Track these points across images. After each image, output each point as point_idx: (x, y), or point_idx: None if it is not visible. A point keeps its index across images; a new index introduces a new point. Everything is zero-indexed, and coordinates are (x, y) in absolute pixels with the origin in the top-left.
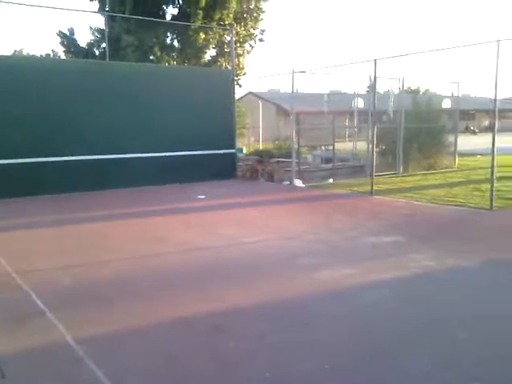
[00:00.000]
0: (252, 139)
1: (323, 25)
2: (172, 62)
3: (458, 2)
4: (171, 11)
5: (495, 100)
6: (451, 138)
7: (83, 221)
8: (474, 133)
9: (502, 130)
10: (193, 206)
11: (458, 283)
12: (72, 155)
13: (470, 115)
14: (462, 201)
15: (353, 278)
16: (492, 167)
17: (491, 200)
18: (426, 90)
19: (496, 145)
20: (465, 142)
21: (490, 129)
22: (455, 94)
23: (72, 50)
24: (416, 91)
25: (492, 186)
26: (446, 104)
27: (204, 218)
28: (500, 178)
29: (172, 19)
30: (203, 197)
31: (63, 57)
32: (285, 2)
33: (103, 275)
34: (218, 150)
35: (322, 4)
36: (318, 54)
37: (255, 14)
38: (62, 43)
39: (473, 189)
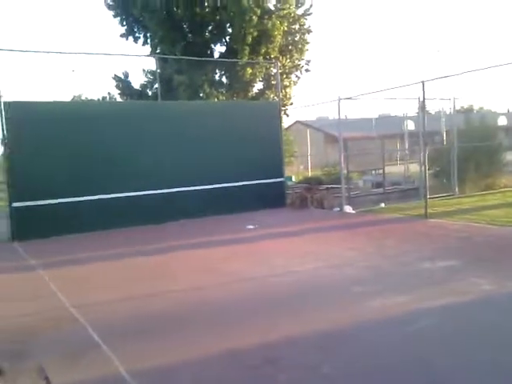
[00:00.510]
0: (301, 167)
1: (368, 49)
2: (221, 98)
3: (506, 14)
4: (219, 49)
5: None
6: (509, 156)
7: (136, 254)
8: None
9: None
10: (244, 237)
11: None
12: (126, 192)
13: None
14: None
15: (407, 305)
16: None
17: None
18: (480, 108)
19: None
20: None
21: None
22: (511, 111)
23: (127, 92)
24: (469, 110)
25: None
26: (502, 121)
27: (255, 247)
28: None
29: (220, 56)
30: (253, 226)
31: (119, 99)
32: (329, 31)
33: (156, 307)
34: (268, 179)
35: (365, 28)
36: (364, 78)
37: (300, 46)
38: (117, 86)
39: None
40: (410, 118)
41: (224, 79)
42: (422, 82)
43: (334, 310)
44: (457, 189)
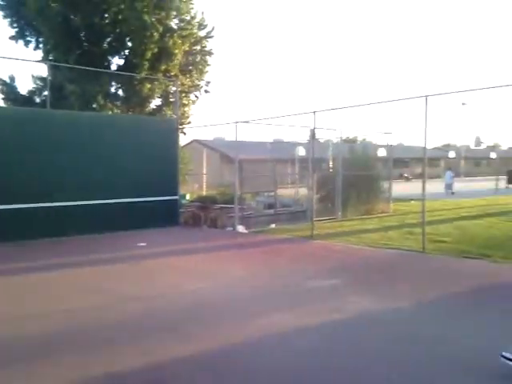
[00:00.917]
0: (196, 186)
1: (267, 77)
2: (116, 111)
3: (390, 57)
4: (117, 61)
5: (425, 149)
6: (386, 185)
7: (4, 272)
8: (407, 179)
9: (434, 176)
10: (133, 254)
11: (390, 324)
12: (3, 203)
13: (403, 163)
14: (397, 244)
15: (290, 322)
16: (423, 212)
17: (423, 243)
18: (363, 140)
19: (426, 191)
20: (399, 188)
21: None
22: (389, 144)
23: (11, 97)
24: (353, 141)
25: (424, 230)
26: (382, 153)
27: (143, 266)
28: (431, 222)
29: (118, 69)
30: (144, 244)
31: (1, 104)
32: (230, 56)
33: (25, 331)
34: (162, 196)
35: (265, 58)
36: (261, 104)
37: (200, 67)
38: (1, 90)
39: (406, 232)
40: (301, 144)
41: (120, 92)
42: (314, 112)
43: (220, 329)
44: (340, 213)
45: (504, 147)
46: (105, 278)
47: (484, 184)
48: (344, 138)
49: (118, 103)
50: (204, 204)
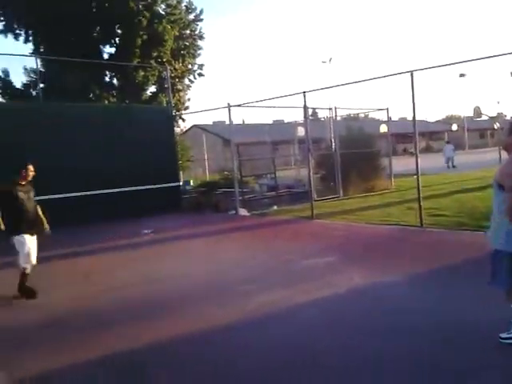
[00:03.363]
0: (200, 171)
1: (264, 57)
2: (111, 100)
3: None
4: (108, 50)
5: (414, 124)
6: (386, 161)
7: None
8: (412, 154)
9: (439, 150)
10: (138, 241)
11: (381, 297)
12: None
13: (407, 138)
14: (396, 220)
15: (288, 299)
16: (418, 187)
17: (421, 218)
18: (366, 116)
19: (429, 165)
20: (402, 164)
21: (427, 150)
22: (387, 119)
23: (8, 91)
24: (354, 118)
25: (420, 204)
26: (383, 129)
27: (149, 252)
28: (431, 196)
29: (110, 58)
30: (149, 231)
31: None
32: (226, 38)
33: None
34: (162, 183)
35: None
36: (260, 84)
37: (192, 51)
38: None
39: (406, 208)
40: (301, 124)
41: (115, 81)
42: (304, 93)
43: (223, 308)
44: (341, 191)
45: (508, 117)
46: (113, 265)
47: (489, 155)
48: (345, 115)
49: (114, 92)
50: (206, 189)
